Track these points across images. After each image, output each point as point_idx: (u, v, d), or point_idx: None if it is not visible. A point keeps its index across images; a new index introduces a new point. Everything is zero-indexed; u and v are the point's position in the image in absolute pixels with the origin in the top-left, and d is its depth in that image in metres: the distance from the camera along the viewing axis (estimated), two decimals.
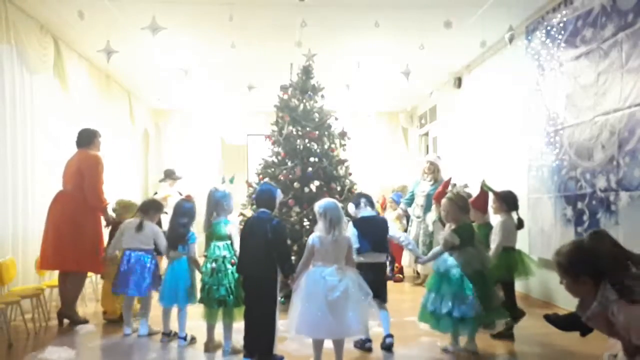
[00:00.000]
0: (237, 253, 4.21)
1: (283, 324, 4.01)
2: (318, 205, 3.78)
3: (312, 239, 3.72)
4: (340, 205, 3.83)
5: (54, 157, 6.48)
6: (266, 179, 6.21)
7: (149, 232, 4.90)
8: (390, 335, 4.36)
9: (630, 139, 4.46)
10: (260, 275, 3.89)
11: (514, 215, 4.80)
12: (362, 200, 4.61)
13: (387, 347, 4.31)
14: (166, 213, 5.49)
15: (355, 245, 4.31)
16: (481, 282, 4.14)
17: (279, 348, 4.11)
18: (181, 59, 7.39)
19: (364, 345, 4.33)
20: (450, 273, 4.14)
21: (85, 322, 5.34)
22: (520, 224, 4.77)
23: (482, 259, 4.24)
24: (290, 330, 3.62)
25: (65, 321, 5.32)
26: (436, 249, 4.43)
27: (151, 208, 5.13)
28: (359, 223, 4.47)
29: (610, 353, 2.79)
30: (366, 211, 4.57)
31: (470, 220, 4.45)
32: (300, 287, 3.62)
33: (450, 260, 4.20)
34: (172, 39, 6.52)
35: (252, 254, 3.93)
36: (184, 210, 4.65)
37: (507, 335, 4.53)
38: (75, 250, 5.19)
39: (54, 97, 6.55)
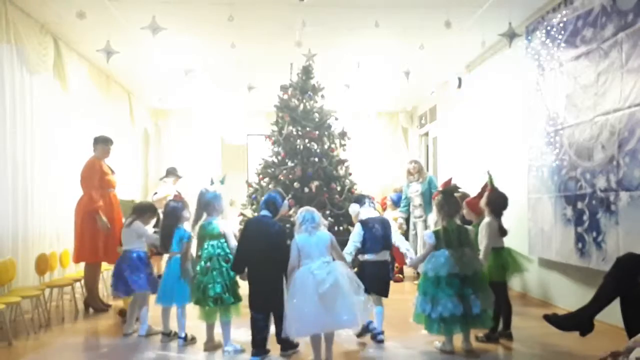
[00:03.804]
0: (233, 252, 4.26)
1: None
2: (297, 216, 4.02)
3: (294, 240, 3.90)
4: (315, 210, 4.06)
5: (53, 157, 6.50)
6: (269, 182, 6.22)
7: (134, 231, 4.96)
8: (382, 332, 4.51)
9: (630, 139, 4.46)
10: (266, 274, 3.97)
11: (500, 220, 4.62)
12: (367, 201, 4.75)
13: (380, 342, 4.45)
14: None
15: (357, 244, 4.46)
16: (479, 282, 4.15)
17: (278, 347, 4.15)
18: (181, 59, 7.39)
19: (376, 337, 4.47)
20: (439, 274, 4.13)
21: (106, 309, 5.98)
22: (502, 231, 4.57)
23: (478, 259, 4.29)
24: (288, 331, 3.67)
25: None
26: (423, 252, 4.51)
27: (149, 211, 5.20)
28: (367, 224, 4.57)
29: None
30: (371, 211, 4.70)
31: (458, 219, 4.42)
32: (292, 285, 3.74)
33: (438, 261, 4.19)
34: (172, 39, 6.51)
35: (256, 254, 4.00)
36: (169, 210, 4.68)
37: (494, 338, 4.48)
38: (87, 244, 5.78)
39: (54, 97, 6.55)
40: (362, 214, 4.69)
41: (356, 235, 4.51)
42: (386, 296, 4.58)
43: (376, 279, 4.46)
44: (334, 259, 3.88)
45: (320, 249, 3.82)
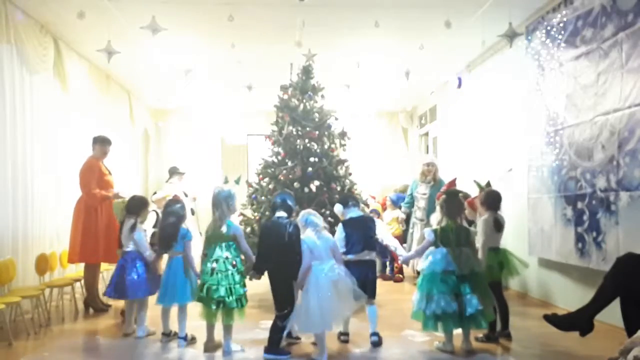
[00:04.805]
0: (248, 255, 4.32)
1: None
2: (300, 219, 4.22)
3: (306, 243, 4.06)
4: (316, 214, 4.32)
5: (53, 157, 6.50)
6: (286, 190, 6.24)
7: (136, 241, 4.88)
8: (375, 334, 4.47)
9: (630, 139, 4.46)
10: (281, 272, 4.05)
11: (497, 214, 4.64)
12: (351, 202, 4.83)
13: (374, 344, 4.40)
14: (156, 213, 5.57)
15: (342, 249, 4.50)
16: (477, 282, 4.15)
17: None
18: (181, 59, 7.39)
19: (340, 337, 4.53)
20: (434, 271, 4.15)
21: (106, 309, 5.94)
22: (497, 225, 4.56)
23: (477, 259, 4.29)
24: (301, 328, 3.92)
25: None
26: (418, 248, 4.57)
27: (144, 206, 5.11)
28: (347, 224, 4.64)
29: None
30: (354, 212, 4.75)
31: (461, 220, 4.42)
32: (308, 285, 3.92)
33: (435, 258, 4.21)
34: (172, 39, 6.51)
35: (274, 255, 4.07)
36: (171, 210, 4.65)
37: (493, 338, 4.47)
38: (88, 244, 5.77)
39: (53, 97, 6.55)
40: (346, 214, 4.75)
41: (340, 240, 4.54)
42: (373, 297, 4.53)
43: (358, 279, 4.34)
44: None
45: (327, 251, 4.06)
